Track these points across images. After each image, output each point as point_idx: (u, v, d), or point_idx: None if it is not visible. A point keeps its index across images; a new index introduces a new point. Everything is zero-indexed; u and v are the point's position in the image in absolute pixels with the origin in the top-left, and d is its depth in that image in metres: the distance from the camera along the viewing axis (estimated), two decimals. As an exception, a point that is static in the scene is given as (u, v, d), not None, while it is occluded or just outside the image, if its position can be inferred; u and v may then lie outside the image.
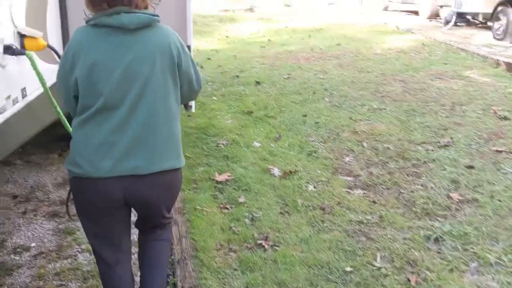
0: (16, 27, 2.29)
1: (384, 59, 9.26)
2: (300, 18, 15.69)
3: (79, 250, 3.27)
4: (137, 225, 2.33)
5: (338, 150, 5.01)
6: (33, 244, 3.34)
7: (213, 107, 6.45)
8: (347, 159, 4.80)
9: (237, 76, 8.18)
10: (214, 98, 6.94)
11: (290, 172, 4.42)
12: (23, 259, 3.18)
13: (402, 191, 4.10)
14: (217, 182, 4.22)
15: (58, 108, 2.60)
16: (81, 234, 3.40)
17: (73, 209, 2.25)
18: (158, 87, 1.91)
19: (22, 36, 2.30)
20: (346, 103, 6.60)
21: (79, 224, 2.99)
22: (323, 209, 3.78)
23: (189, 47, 3.52)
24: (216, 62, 9.36)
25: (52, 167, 4.53)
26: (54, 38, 3.13)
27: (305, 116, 6.07)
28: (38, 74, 2.29)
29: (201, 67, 8.91)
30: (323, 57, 9.58)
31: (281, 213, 3.73)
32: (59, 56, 2.40)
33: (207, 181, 4.23)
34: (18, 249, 3.28)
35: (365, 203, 3.90)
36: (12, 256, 3.21)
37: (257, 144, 5.13)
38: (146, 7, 1.98)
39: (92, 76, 1.86)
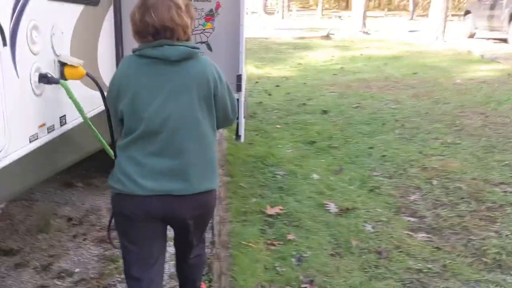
0: (57, 55, 2.29)
1: (464, 90, 8.68)
2: (378, 46, 15.30)
3: (119, 279, 3.20)
4: (174, 244, 2.46)
5: (404, 187, 4.64)
6: (77, 270, 3.33)
7: (275, 136, 6.31)
8: (413, 197, 4.42)
9: (304, 104, 8.01)
10: (278, 126, 6.80)
11: (348, 209, 4.14)
12: (65, 284, 3.17)
13: (472, 237, 3.68)
14: (268, 215, 4.03)
15: (100, 136, 2.59)
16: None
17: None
18: (195, 115, 2.03)
19: (62, 65, 2.30)
20: (418, 136, 6.19)
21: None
22: (379, 253, 3.46)
23: (239, 76, 3.43)
24: (285, 89, 9.26)
25: (109, 191, 4.56)
26: (108, 65, 3.14)
27: (371, 148, 5.75)
28: (75, 103, 2.28)
29: (269, 94, 8.86)
30: (398, 86, 9.17)
31: (332, 254, 3.46)
32: (97, 84, 2.37)
33: (257, 214, 4.05)
34: (62, 274, 3.28)
35: (428, 249, 3.52)
36: (55, 280, 3.21)
37: (315, 177, 4.90)
38: (188, 39, 2.09)
39: (134, 103, 2.01)
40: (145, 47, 2.00)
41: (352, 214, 4.07)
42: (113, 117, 2.20)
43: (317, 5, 48.48)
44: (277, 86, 9.61)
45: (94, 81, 2.38)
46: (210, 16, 3.38)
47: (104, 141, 2.61)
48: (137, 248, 2.19)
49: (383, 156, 5.48)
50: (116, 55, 3.29)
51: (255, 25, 27.41)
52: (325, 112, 7.46)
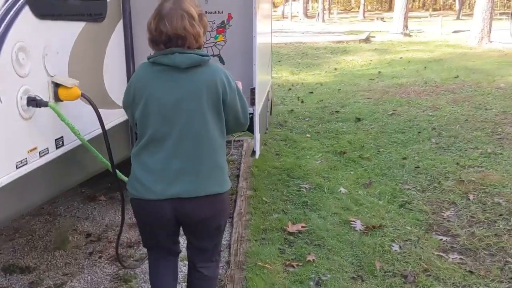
0: (51, 76, 2.21)
1: (508, 95, 8.20)
2: (419, 48, 14.80)
3: (129, 301, 3.11)
4: (187, 248, 2.48)
5: (437, 203, 4.36)
6: (88, 290, 3.26)
7: (304, 146, 6.12)
8: (446, 214, 4.13)
9: (337, 112, 7.77)
10: (308, 135, 6.60)
11: (374, 227, 3.90)
12: (75, 305, 3.11)
13: (510, 260, 3.37)
14: (289, 233, 3.85)
15: (102, 157, 2.50)
16: (135, 283, 3.25)
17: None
18: (203, 120, 2.10)
19: (56, 86, 2.22)
20: (455, 145, 5.85)
21: (136, 271, 3.34)
22: (405, 276, 3.22)
23: (253, 90, 3.28)
24: (318, 96, 9.04)
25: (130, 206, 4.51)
26: (117, 82, 3.06)
27: (404, 159, 5.47)
28: (68, 125, 2.19)
29: (302, 101, 8.67)
30: (437, 91, 8.77)
31: (353, 277, 3.25)
32: (93, 105, 2.28)
33: (278, 232, 3.88)
34: (74, 294, 3.22)
35: (460, 272, 3.25)
36: (67, 301, 3.15)
37: (343, 190, 4.67)
38: (199, 47, 2.16)
39: (146, 108, 2.11)
40: (158, 55, 2.09)
41: (378, 232, 3.84)
42: (130, 121, 2.31)
43: (359, 7, 47.77)
44: (311, 92, 9.39)
45: (89, 102, 2.29)
46: (221, 28, 3.26)
47: (107, 161, 2.51)
48: (153, 240, 2.39)
49: (417, 167, 5.19)
50: (127, 71, 3.21)
51: (294, 30, 27.23)
52: (358, 120, 7.20)
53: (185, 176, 2.12)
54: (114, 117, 3.06)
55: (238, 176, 5.14)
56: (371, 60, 12.94)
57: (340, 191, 4.67)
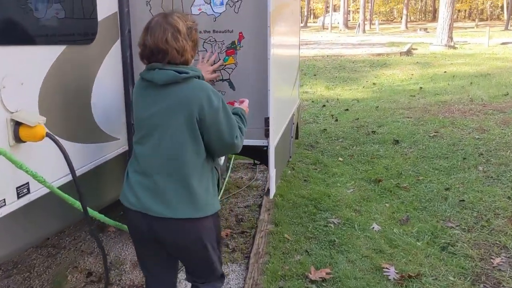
0: (11, 112, 1.84)
1: None
2: (464, 61, 13.98)
3: None
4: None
5: (485, 246, 3.77)
6: None
7: (336, 171, 5.61)
8: (496, 261, 3.55)
9: (374, 132, 7.22)
10: (340, 159, 6.08)
11: (410, 276, 3.36)
12: None
13: None
14: (311, 281, 3.36)
15: (79, 203, 2.14)
16: None
17: None
18: (174, 139, 2.05)
19: (18, 124, 1.85)
20: (506, 174, 5.21)
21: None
22: None
23: (267, 120, 2.82)
24: (354, 114, 8.50)
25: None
26: (110, 111, 2.69)
27: (447, 190, 4.89)
28: (28, 172, 1.82)
29: (336, 120, 8.16)
30: (484, 111, 8.07)
31: None
32: (59, 146, 1.90)
33: (298, 279, 3.39)
34: None
35: None
36: None
37: (376, 227, 4.14)
38: (185, 62, 2.10)
39: (135, 122, 2.18)
40: (144, 70, 2.11)
41: (415, 283, 3.30)
42: None
43: (401, 17, 46.67)
44: (346, 110, 8.86)
45: (55, 142, 1.90)
46: (232, 49, 2.84)
47: (86, 208, 2.14)
48: (139, 254, 2.37)
49: (462, 201, 4.60)
50: (125, 98, 2.84)
51: (333, 41, 26.69)
52: (396, 142, 6.63)
53: (153, 193, 2.08)
54: (107, 150, 2.68)
55: (260, 206, 4.69)
56: (412, 74, 12.26)
57: (373, 228, 4.14)
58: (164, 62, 2.04)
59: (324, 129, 7.57)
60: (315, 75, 13.50)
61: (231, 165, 5.63)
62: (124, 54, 2.81)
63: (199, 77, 2.14)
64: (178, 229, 2.10)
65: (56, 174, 2.15)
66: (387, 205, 4.63)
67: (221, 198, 4.92)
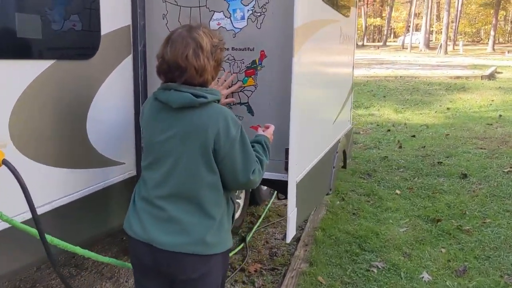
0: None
1: None
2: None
3: None
4: None
5: (559, 314, 3.12)
6: None
7: (390, 206, 5.06)
8: None
9: (440, 163, 6.56)
10: (397, 192, 5.52)
11: None
12: None
13: None
14: (338, 338, 2.91)
15: (57, 241, 1.91)
16: None
17: None
18: (188, 168, 1.86)
19: (-28, 151, 1.64)
20: None
21: None
22: None
23: (287, 151, 2.44)
24: (421, 141, 7.84)
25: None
26: (116, 135, 2.46)
27: (518, 237, 4.21)
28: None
29: (400, 146, 7.56)
30: None
31: None
32: (16, 177, 1.66)
33: (323, 334, 2.95)
34: None
35: None
36: None
37: (426, 277, 3.60)
38: (203, 83, 1.89)
39: (145, 145, 2.00)
40: (159, 89, 1.92)
41: None
42: None
43: (488, 39, 44.08)
44: (413, 136, 8.20)
45: (12, 171, 1.66)
46: (252, 69, 2.50)
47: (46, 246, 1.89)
48: None
49: (535, 253, 3.92)
50: (136, 119, 2.59)
51: (411, 62, 25.60)
52: (464, 176, 5.95)
53: (161, 224, 1.89)
54: (108, 176, 2.43)
55: (298, 239, 4.28)
56: (492, 100, 11.26)
57: (422, 277, 3.59)
58: (180, 80, 1.84)
59: (385, 157, 7.00)
60: (384, 96, 12.81)
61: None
62: (136, 71, 2.57)
63: (218, 101, 1.94)
64: (185, 264, 1.91)
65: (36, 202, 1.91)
66: (443, 250, 4.04)
67: (258, 226, 4.58)
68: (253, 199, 4.77)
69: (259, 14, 2.45)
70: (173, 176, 1.87)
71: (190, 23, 1.93)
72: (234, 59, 2.53)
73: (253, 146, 2.07)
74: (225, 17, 2.50)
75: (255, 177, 1.94)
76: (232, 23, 2.50)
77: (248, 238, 4.26)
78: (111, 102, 2.41)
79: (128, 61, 2.53)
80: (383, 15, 65.10)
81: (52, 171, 2.06)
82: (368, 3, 57.74)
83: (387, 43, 55.34)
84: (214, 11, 2.52)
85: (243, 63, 2.52)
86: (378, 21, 66.95)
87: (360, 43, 53.41)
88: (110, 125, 2.42)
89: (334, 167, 3.87)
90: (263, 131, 2.21)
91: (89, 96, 2.25)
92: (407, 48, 42.81)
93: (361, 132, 8.77)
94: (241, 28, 2.49)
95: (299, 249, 4.07)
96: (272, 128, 2.23)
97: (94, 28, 2.23)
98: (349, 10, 4.19)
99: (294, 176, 2.54)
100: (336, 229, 4.46)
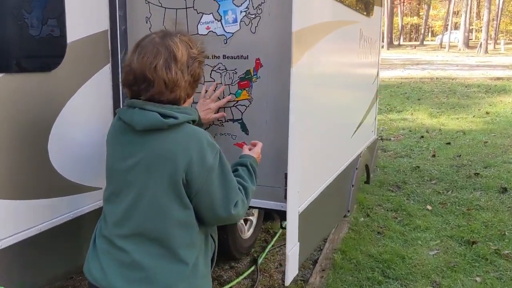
0: None
1: None
2: None
3: None
4: None
5: None
6: None
7: (419, 224, 4.60)
8: None
9: (477, 174, 6.02)
10: (428, 207, 5.04)
11: None
12: None
13: None
14: None
15: None
16: None
17: None
18: (154, 203, 1.56)
19: None
20: None
21: None
22: None
23: (287, 176, 2.06)
24: (456, 149, 7.29)
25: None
26: (84, 155, 2.13)
27: None
28: None
29: (433, 155, 7.05)
30: None
31: None
32: None
33: None
34: None
35: None
36: None
37: (457, 313, 3.15)
38: (175, 100, 1.58)
39: (107, 170, 1.69)
40: (123, 107, 1.68)
41: None
42: None
43: (532, 37, 42.28)
44: (448, 143, 7.66)
45: None
46: (246, 80, 2.13)
47: None
48: None
49: None
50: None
51: (448, 62, 24.65)
52: (504, 190, 5.42)
53: (123, 268, 1.59)
54: (78, 204, 2.12)
55: (315, 262, 3.89)
56: (537, 104, 10.54)
57: (453, 313, 3.15)
58: (145, 96, 1.55)
59: (417, 167, 6.50)
60: (419, 99, 12.19)
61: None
62: (116, 82, 2.24)
63: (194, 122, 1.63)
64: None
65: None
66: (477, 279, 3.58)
67: (273, 245, 4.21)
68: (269, 214, 4.41)
69: (253, 16, 2.08)
70: (136, 212, 1.58)
71: (165, 29, 1.68)
72: (225, 68, 2.17)
73: (236, 170, 1.76)
74: (215, 20, 2.14)
75: (237, 210, 1.63)
76: (223, 26, 2.13)
77: (260, 260, 3.90)
78: (82, 117, 2.10)
79: (105, 71, 2.21)
80: (420, 13, 63.47)
81: (1, 204, 1.76)
82: (405, 1, 56.34)
83: (425, 42, 53.85)
84: (203, 13, 2.16)
85: (236, 73, 2.16)
86: (415, 19, 65.31)
87: (396, 43, 52.16)
88: (82, 146, 2.10)
89: (353, 185, 3.46)
90: (250, 149, 1.87)
91: (52, 113, 1.94)
92: (445, 47, 41.48)
93: (392, 138, 8.27)
94: (233, 33, 2.13)
95: (314, 275, 3.68)
96: (259, 146, 1.89)
97: (58, 34, 1.92)
98: (372, 10, 3.77)
99: (296, 206, 2.16)
100: (358, 251, 4.04)
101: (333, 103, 2.79)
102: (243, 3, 2.08)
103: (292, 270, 2.18)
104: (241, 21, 2.10)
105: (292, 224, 2.14)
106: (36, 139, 1.89)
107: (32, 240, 1.89)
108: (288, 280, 2.18)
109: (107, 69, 2.22)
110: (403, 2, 55.29)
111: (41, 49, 1.89)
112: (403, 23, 58.75)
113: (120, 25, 2.24)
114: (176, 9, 2.19)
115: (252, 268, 3.79)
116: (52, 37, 1.91)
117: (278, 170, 2.12)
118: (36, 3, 1.84)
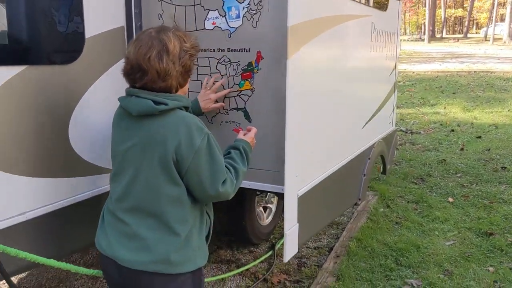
0: None
1: None
2: None
3: None
4: None
5: None
6: None
7: (439, 215, 4.64)
8: None
9: (504, 168, 5.97)
10: (450, 199, 5.07)
11: None
12: None
13: None
14: None
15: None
16: None
17: None
18: (148, 181, 1.75)
19: None
20: None
21: None
22: None
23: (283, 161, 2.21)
24: (486, 143, 7.20)
25: None
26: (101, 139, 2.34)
27: None
28: None
29: (461, 149, 7.00)
30: None
31: None
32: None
33: None
34: None
35: None
36: None
37: (465, 300, 3.22)
38: (167, 88, 1.76)
39: (111, 156, 1.88)
40: (122, 96, 1.81)
41: None
42: None
43: None
44: (478, 137, 7.56)
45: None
46: (248, 72, 2.29)
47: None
48: None
49: None
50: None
51: (491, 55, 23.91)
52: (530, 184, 5.35)
53: (125, 238, 1.78)
54: (99, 183, 2.34)
55: (331, 249, 4.02)
56: None
57: (461, 300, 3.22)
58: (140, 83, 1.73)
59: (443, 160, 6.49)
60: (454, 93, 11.98)
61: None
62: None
63: (185, 108, 1.81)
64: (149, 283, 1.78)
65: None
66: (490, 269, 3.62)
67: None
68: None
69: (254, 11, 2.24)
70: (134, 188, 1.77)
71: (163, 24, 1.84)
72: (229, 61, 2.34)
73: (229, 153, 1.94)
74: (220, 15, 2.32)
75: (225, 188, 1.79)
76: (227, 22, 2.30)
77: (277, 246, 4.06)
78: (100, 106, 2.31)
79: (121, 64, 2.40)
80: (465, 5, 61.49)
81: (28, 181, 1.99)
82: (448, -7, 54.73)
83: (469, 35, 52.20)
84: (209, 10, 2.34)
85: (239, 65, 2.32)
86: (459, 11, 63.32)
87: (438, 35, 50.82)
88: (99, 131, 2.32)
89: (364, 174, 3.56)
90: (244, 134, 2.04)
91: (72, 101, 2.16)
92: (489, 40, 40.13)
93: (421, 132, 8.23)
94: (236, 28, 2.30)
95: (329, 261, 3.81)
96: (253, 131, 2.06)
97: (77, 30, 2.14)
98: (386, 4, 3.84)
99: (294, 189, 2.31)
100: (374, 239, 4.14)
101: (337, 94, 2.91)
102: (245, -1, 2.25)
103: (290, 249, 2.34)
104: (243, 16, 2.27)
105: (290, 206, 2.30)
106: (58, 124, 2.11)
107: (54, 214, 2.11)
108: (287, 257, 2.34)
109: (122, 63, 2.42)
110: (446, -7, 53.76)
111: (62, 44, 2.11)
112: (446, 15, 57.16)
113: (136, 21, 2.44)
114: (185, 6, 2.38)
115: (270, 252, 3.95)
116: (72, 32, 2.13)
117: (278, 156, 2.28)
118: (56, 0, 2.06)
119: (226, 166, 1.83)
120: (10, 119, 1.91)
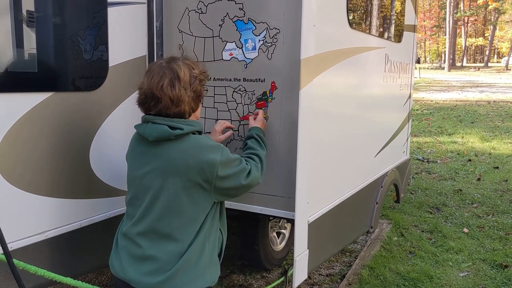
0: None
1: None
2: None
3: None
4: None
5: None
6: None
7: (453, 246, 4.61)
8: None
9: (521, 200, 5.90)
10: (465, 230, 5.03)
11: None
12: None
13: None
14: None
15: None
16: None
17: None
18: (169, 203, 1.83)
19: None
20: None
21: None
22: None
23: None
24: (504, 173, 7.14)
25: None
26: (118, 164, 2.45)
27: None
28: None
29: (478, 179, 6.95)
30: None
31: None
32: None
33: None
34: None
35: None
36: None
37: (477, 333, 3.19)
38: (180, 114, 1.87)
39: (127, 180, 1.99)
40: (139, 123, 1.92)
41: None
42: None
43: None
44: (496, 168, 7.50)
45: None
46: (262, 101, 2.38)
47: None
48: None
49: None
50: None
51: (510, 84, 23.72)
52: (548, 216, 5.28)
53: (138, 262, 1.86)
54: (116, 205, 2.43)
55: (343, 277, 4.03)
56: None
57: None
58: (154, 111, 1.84)
59: (459, 189, 6.45)
60: (472, 122, 11.92)
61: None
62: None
63: (198, 132, 1.93)
64: None
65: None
66: (505, 303, 3.58)
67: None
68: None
69: (270, 44, 2.34)
70: (152, 211, 1.85)
71: (173, 55, 1.96)
72: (245, 90, 2.44)
73: (246, 144, 2.19)
74: (237, 47, 2.43)
75: (251, 177, 1.96)
76: (243, 53, 2.42)
77: (290, 272, 4.07)
78: (121, 131, 2.41)
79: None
80: (486, 34, 61.37)
81: (49, 201, 2.09)
82: (469, 22, 54.79)
83: (490, 64, 51.96)
84: (227, 41, 2.46)
85: (254, 94, 2.42)
86: (480, 40, 63.20)
87: (459, 64, 50.72)
88: (119, 155, 2.42)
89: (377, 202, 3.59)
90: (254, 119, 2.32)
91: (94, 126, 2.28)
92: (510, 70, 39.88)
93: (438, 161, 8.20)
94: (252, 59, 2.41)
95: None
96: (260, 114, 2.35)
97: (101, 58, 2.26)
98: (400, 36, 3.93)
99: (305, 215, 2.37)
100: (387, 268, 4.13)
101: (349, 123, 2.98)
102: (261, 33, 2.36)
103: (300, 275, 2.39)
104: (259, 48, 2.38)
105: (300, 232, 2.35)
106: (79, 148, 2.22)
107: (73, 234, 2.21)
108: (296, 284, 2.38)
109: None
110: (467, 23, 53.82)
111: (87, 71, 2.24)
112: (467, 44, 57.09)
113: (157, 51, 2.57)
114: (204, 37, 2.50)
115: (282, 278, 3.97)
116: (96, 60, 2.26)
117: (290, 182, 2.34)
118: (82, 31, 2.20)
119: (248, 156, 2.05)
120: (35, 142, 2.02)
